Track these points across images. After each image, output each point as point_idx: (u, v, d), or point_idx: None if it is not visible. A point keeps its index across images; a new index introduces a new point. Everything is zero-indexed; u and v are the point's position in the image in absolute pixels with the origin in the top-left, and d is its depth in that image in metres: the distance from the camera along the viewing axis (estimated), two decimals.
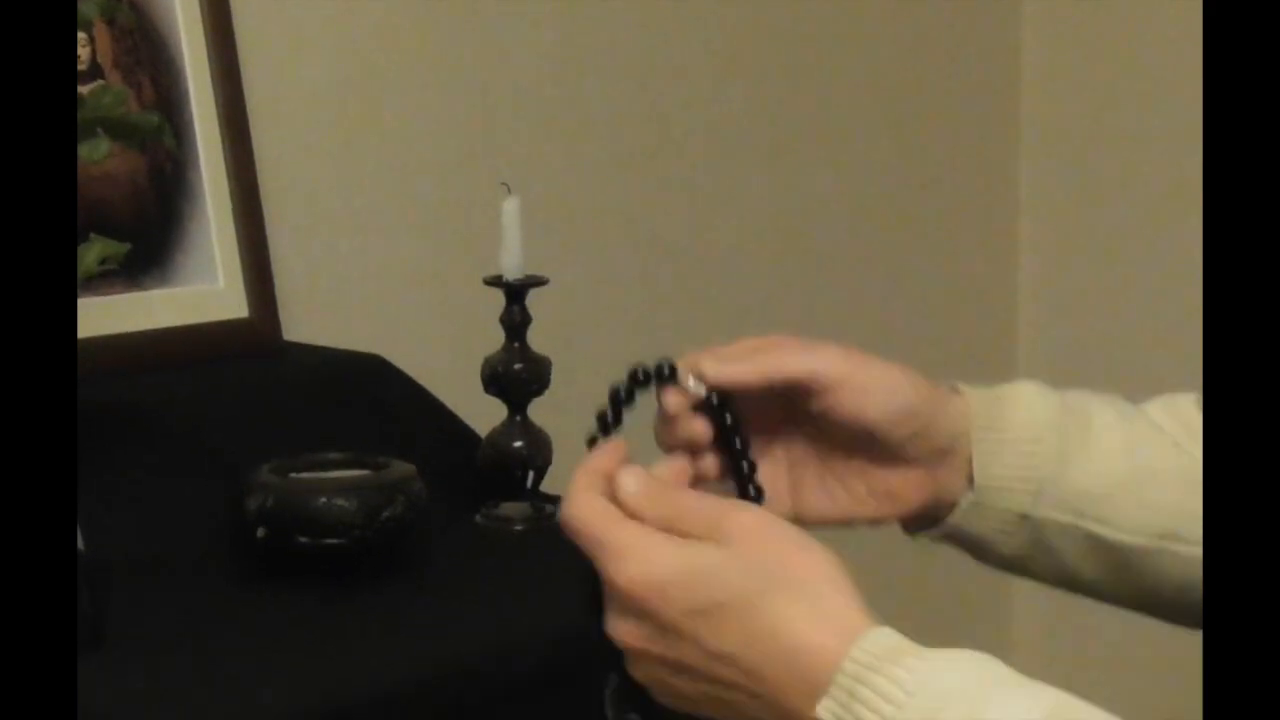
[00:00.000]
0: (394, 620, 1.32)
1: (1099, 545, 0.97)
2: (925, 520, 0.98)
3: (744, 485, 0.93)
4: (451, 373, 1.71)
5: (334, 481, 1.39)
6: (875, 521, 0.97)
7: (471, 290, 1.60)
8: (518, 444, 1.55)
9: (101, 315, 1.50)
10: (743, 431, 0.93)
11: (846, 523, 0.97)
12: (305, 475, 1.40)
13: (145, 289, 1.57)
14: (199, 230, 1.62)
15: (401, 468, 1.41)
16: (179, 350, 1.57)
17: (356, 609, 1.33)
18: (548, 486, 1.56)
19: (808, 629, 0.80)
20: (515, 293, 1.55)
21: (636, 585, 0.83)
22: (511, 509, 1.54)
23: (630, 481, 0.85)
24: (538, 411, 1.55)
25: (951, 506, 0.97)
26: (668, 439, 0.93)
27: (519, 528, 1.53)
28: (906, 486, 0.96)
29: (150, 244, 1.58)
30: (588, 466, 0.87)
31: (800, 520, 0.94)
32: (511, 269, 1.55)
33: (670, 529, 0.84)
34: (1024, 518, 0.96)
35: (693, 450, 0.92)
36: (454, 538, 1.49)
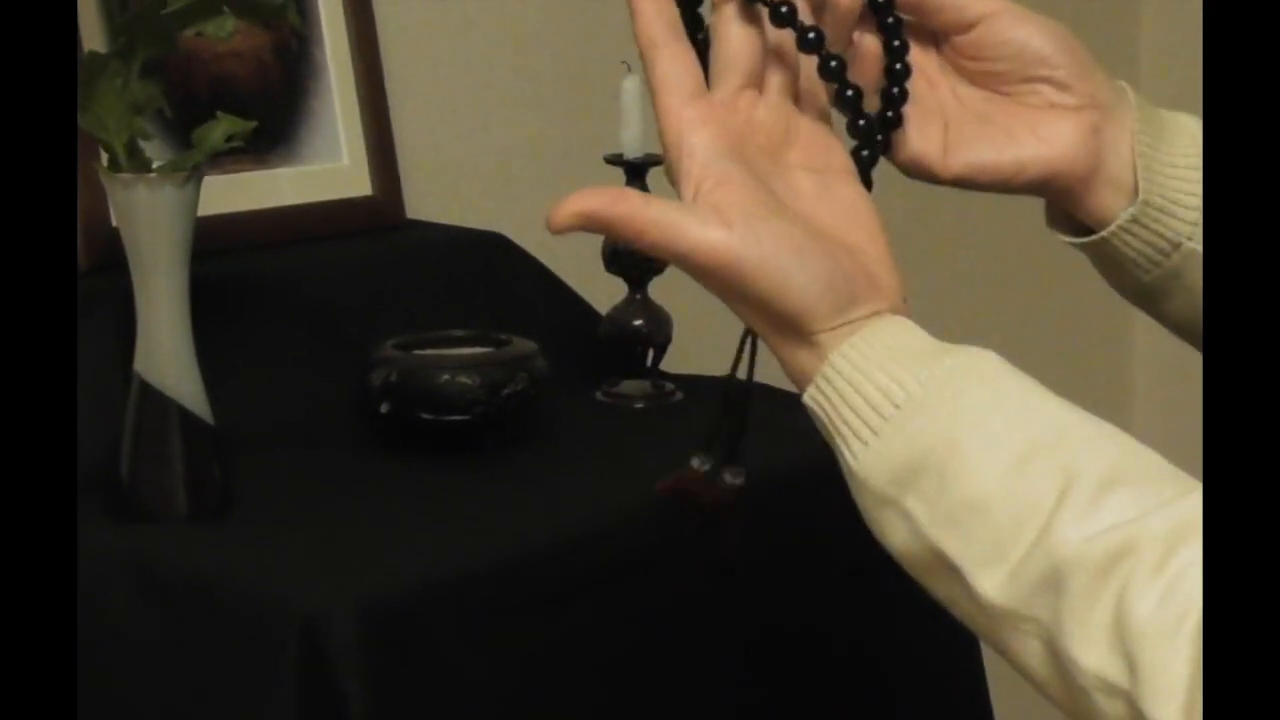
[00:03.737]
0: (516, 492, 1.33)
1: None
2: (1072, 205, 0.92)
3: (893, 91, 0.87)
4: (572, 251, 1.71)
5: (457, 358, 1.40)
6: (1031, 182, 0.90)
7: (592, 168, 1.60)
8: (638, 322, 1.56)
9: (229, 192, 1.51)
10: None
11: (1002, 178, 0.90)
12: (428, 352, 1.42)
13: (271, 167, 1.58)
14: (324, 108, 1.63)
15: (523, 345, 1.43)
16: (304, 227, 1.59)
17: (480, 482, 1.35)
18: (667, 365, 1.57)
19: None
20: (636, 171, 1.55)
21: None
22: (631, 386, 1.56)
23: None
24: (658, 290, 1.56)
25: (1105, 201, 0.91)
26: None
27: (639, 405, 1.54)
28: (1071, 129, 0.90)
29: (276, 121, 1.59)
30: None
31: (948, 174, 0.89)
32: (632, 147, 1.55)
33: None
34: (1176, 246, 0.90)
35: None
36: (574, 414, 1.50)
